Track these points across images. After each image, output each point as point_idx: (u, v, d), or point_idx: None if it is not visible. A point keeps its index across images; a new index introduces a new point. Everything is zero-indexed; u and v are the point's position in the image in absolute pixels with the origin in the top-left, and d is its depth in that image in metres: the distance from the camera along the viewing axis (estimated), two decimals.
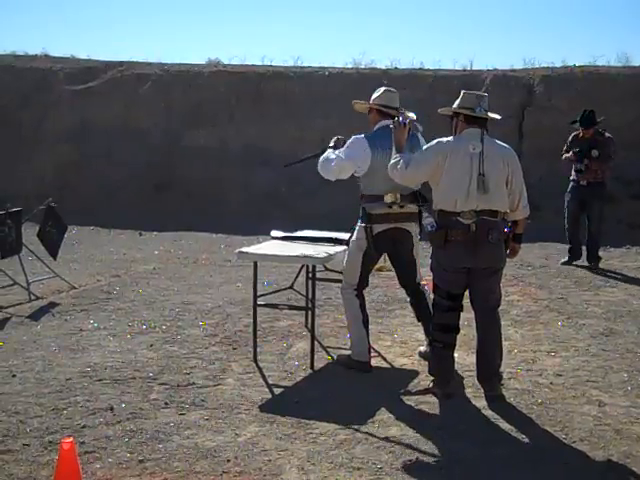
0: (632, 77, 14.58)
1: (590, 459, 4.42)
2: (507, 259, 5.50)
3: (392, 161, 5.53)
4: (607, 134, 10.13)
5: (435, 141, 5.43)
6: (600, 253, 10.34)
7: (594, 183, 10.10)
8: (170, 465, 4.30)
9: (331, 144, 6.22)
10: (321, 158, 6.13)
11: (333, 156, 6.03)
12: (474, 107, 5.32)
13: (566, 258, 10.44)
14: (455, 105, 5.45)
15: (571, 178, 10.36)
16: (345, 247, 6.21)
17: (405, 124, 5.71)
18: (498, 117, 5.52)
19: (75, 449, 3.70)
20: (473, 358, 5.65)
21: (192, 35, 45.58)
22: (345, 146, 6.03)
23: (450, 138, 5.42)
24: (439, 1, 47.82)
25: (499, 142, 5.45)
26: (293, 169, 14.82)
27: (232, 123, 16.12)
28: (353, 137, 6.02)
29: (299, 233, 6.92)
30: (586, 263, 10.18)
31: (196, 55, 55.52)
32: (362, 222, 5.92)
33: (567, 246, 10.53)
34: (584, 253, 10.32)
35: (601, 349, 6.60)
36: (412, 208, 5.90)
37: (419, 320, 6.24)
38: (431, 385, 5.52)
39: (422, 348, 6.32)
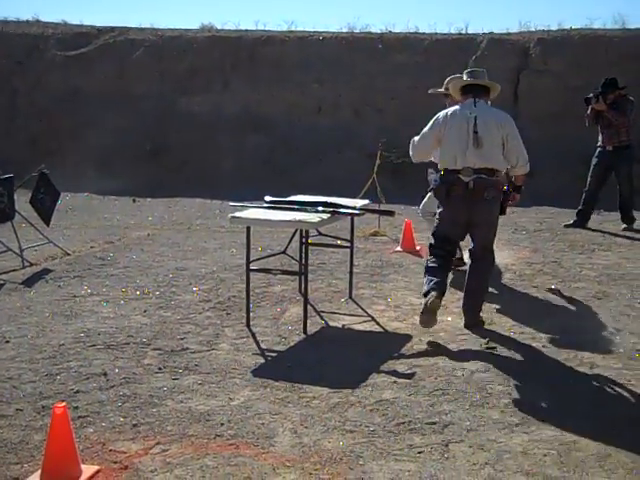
0: (628, 40, 14.50)
1: (582, 420, 4.43)
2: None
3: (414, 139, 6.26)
4: (630, 97, 10.15)
5: (435, 116, 6.07)
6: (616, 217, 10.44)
7: (620, 147, 10.14)
8: (163, 429, 4.31)
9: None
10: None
11: None
12: (469, 78, 6.07)
13: (571, 221, 10.48)
14: (445, 84, 6.29)
15: (598, 144, 10.38)
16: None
17: None
18: (498, 86, 6.23)
19: (68, 414, 3.70)
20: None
21: (185, 0, 45.17)
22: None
23: (449, 109, 6.08)
24: None
25: (493, 108, 6.06)
26: (288, 136, 14.80)
27: (226, 89, 16.04)
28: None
29: (291, 198, 6.91)
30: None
31: (189, 20, 55.09)
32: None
33: (561, 209, 10.53)
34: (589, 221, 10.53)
35: (594, 312, 6.62)
36: None
37: None
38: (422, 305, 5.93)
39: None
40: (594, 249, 9.11)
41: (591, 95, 10.07)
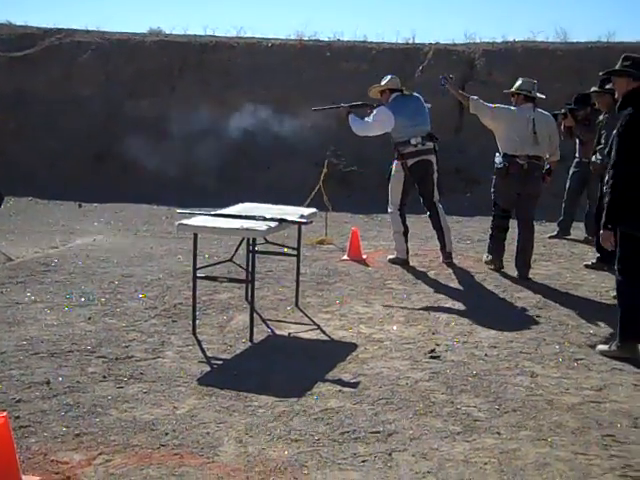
0: (570, 52, 14.83)
1: (521, 429, 4.53)
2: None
3: (474, 98, 8.44)
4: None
5: (498, 105, 8.30)
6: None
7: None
8: (107, 439, 4.29)
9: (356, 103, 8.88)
10: (356, 124, 8.62)
11: (366, 121, 8.58)
12: (530, 90, 8.22)
13: (554, 232, 10.62)
14: (516, 88, 8.29)
15: (575, 154, 10.46)
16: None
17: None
18: (544, 97, 8.33)
19: (9, 424, 3.66)
20: (413, 331, 5.82)
21: (133, 3, 44.77)
22: (373, 115, 8.53)
23: (513, 108, 8.26)
24: None
25: (543, 111, 8.30)
26: (236, 142, 14.73)
27: (174, 93, 15.97)
28: (377, 108, 8.57)
29: (239, 206, 6.94)
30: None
31: (137, 24, 54.49)
32: (398, 160, 8.61)
33: None
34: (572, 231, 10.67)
35: (534, 321, 6.76)
36: (430, 145, 8.58)
37: (434, 229, 8.83)
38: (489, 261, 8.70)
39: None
40: (535, 259, 9.26)
41: (561, 111, 10.15)
